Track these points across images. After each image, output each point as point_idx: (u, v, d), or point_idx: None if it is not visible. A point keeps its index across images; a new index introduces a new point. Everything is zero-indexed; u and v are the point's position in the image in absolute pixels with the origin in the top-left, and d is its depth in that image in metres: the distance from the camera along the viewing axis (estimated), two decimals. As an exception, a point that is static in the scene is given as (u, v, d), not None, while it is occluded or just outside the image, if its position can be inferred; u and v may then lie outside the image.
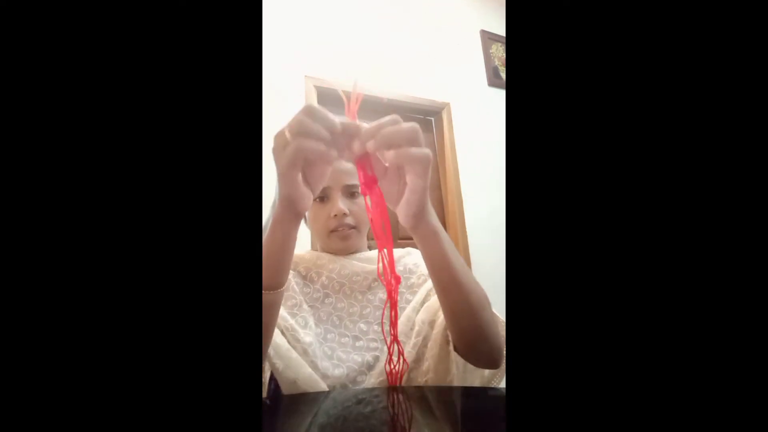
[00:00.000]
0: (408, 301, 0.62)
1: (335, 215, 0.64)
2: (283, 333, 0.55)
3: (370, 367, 0.56)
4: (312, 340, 0.56)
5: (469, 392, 0.51)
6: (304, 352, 0.54)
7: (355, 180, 0.65)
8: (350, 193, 0.65)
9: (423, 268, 0.66)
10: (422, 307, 0.60)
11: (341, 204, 0.63)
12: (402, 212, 0.40)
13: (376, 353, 0.57)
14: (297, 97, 1.83)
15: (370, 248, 0.72)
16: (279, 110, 1.76)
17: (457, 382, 0.53)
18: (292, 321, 0.57)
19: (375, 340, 0.58)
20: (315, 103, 1.84)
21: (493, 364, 0.51)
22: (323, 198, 0.66)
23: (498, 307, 0.55)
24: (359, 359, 0.56)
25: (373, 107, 2.06)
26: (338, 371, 0.54)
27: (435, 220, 0.42)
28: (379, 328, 0.58)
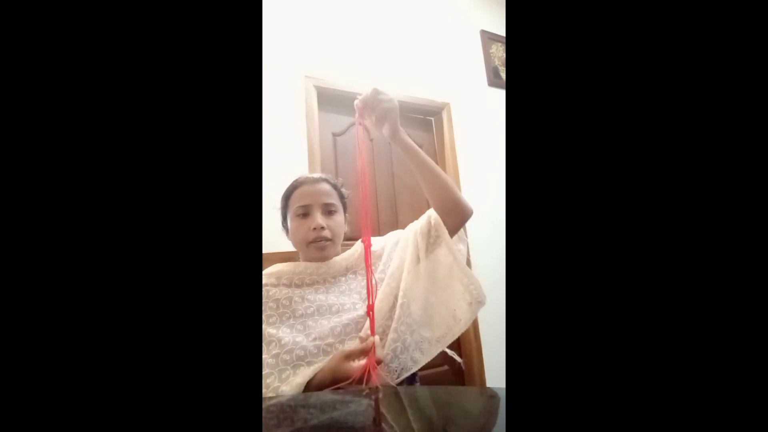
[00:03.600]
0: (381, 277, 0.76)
1: (314, 228, 0.75)
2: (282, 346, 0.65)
3: (348, 333, 0.67)
4: (305, 341, 0.65)
5: (468, 392, 0.51)
6: (299, 357, 0.63)
7: (332, 199, 0.79)
8: (328, 210, 0.78)
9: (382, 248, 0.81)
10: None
11: (320, 219, 0.76)
12: (386, 134, 0.72)
13: (354, 321, 0.69)
14: (297, 97, 1.83)
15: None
16: (279, 110, 1.76)
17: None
18: (290, 335, 0.66)
19: (352, 311, 0.70)
20: (315, 104, 1.84)
21: (463, 213, 0.75)
22: (305, 214, 0.77)
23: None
24: (340, 330, 0.67)
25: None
26: (320, 342, 0.65)
27: (406, 137, 0.73)
28: (356, 305, 0.72)
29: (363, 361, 0.56)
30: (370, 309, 0.61)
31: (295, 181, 0.82)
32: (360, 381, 0.54)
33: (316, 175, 0.83)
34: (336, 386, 0.55)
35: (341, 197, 0.82)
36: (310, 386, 0.57)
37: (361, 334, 0.63)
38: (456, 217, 0.75)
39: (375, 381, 0.54)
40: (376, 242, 0.82)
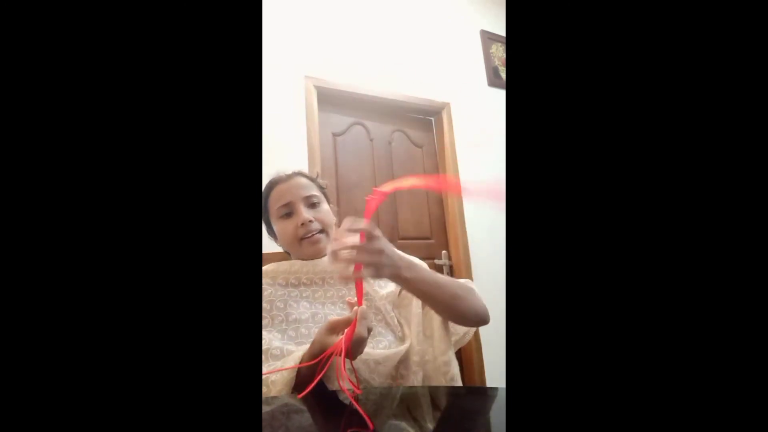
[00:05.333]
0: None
1: (302, 224, 0.71)
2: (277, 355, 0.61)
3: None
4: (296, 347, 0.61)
5: (468, 392, 0.51)
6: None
7: (312, 191, 0.75)
8: (311, 203, 0.74)
9: None
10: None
11: (305, 213, 0.72)
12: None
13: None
14: (297, 97, 1.83)
15: None
16: (279, 110, 1.76)
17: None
18: (280, 343, 0.62)
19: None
20: (315, 104, 1.84)
21: (481, 323, 0.64)
22: (289, 213, 0.73)
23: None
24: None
25: (372, 107, 2.05)
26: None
27: (404, 272, 0.55)
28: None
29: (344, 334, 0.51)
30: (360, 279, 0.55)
31: (269, 182, 0.77)
32: (342, 353, 0.49)
33: (289, 171, 0.78)
34: (320, 358, 0.50)
35: (320, 188, 0.78)
36: (302, 361, 0.53)
37: (350, 299, 0.59)
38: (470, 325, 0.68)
39: (350, 355, 0.49)
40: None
